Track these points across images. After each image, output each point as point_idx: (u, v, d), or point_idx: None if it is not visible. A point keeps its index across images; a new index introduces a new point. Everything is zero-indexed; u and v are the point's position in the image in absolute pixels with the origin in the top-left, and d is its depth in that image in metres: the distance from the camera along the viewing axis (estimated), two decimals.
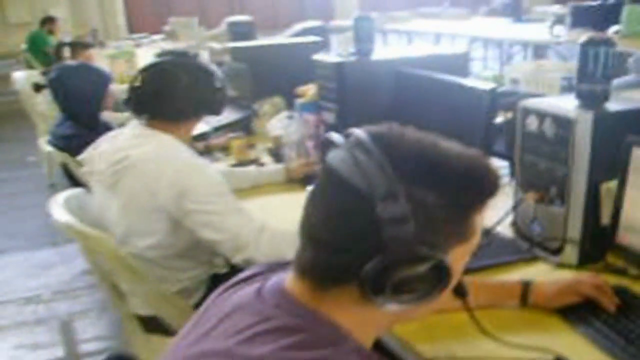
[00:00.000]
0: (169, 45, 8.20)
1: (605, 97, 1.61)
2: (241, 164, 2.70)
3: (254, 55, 3.50)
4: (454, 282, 0.99)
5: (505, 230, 1.79)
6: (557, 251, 1.65)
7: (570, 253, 1.62)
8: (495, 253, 1.70)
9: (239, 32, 5.82)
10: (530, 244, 1.72)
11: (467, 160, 0.93)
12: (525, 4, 9.77)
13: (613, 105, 1.60)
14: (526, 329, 1.37)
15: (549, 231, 1.67)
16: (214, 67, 2.09)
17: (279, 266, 1.06)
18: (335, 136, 0.94)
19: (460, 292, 1.10)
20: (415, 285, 0.87)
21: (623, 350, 1.26)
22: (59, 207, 1.91)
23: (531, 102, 1.70)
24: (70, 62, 4.03)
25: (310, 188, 0.95)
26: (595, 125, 1.53)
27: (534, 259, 1.68)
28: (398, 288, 0.87)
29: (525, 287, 1.44)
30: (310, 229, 0.93)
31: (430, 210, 0.86)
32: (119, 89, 4.67)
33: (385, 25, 9.58)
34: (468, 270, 1.47)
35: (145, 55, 6.82)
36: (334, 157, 0.91)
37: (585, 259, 1.61)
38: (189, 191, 1.78)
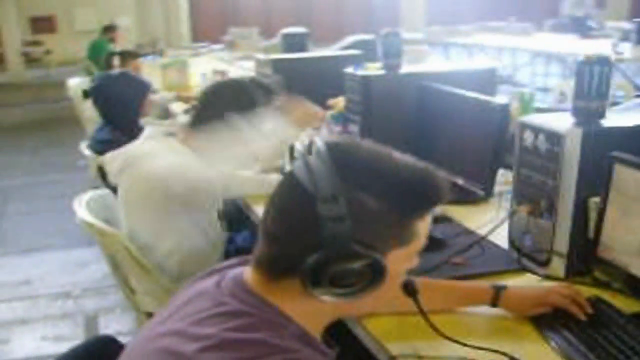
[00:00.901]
0: (227, 55, 8.49)
1: (600, 115, 1.70)
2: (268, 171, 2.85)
3: (293, 67, 3.67)
4: (397, 281, 1.12)
5: (502, 241, 1.89)
6: (545, 263, 1.74)
7: (557, 265, 1.71)
8: (486, 262, 1.81)
9: (292, 43, 6.01)
10: (520, 255, 1.81)
11: (413, 172, 1.05)
12: (597, 19, 9.70)
13: (606, 123, 1.69)
14: (494, 333, 1.47)
15: (539, 243, 1.76)
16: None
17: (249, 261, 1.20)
18: (298, 145, 1.07)
19: (409, 291, 1.23)
20: (349, 280, 1.00)
21: (584, 357, 1.34)
22: (81, 207, 2.11)
23: (528, 118, 1.81)
24: (113, 70, 4.28)
25: None
26: (584, 142, 1.62)
27: (522, 270, 1.77)
28: (334, 282, 0.99)
29: (497, 292, 1.53)
30: (265, 224, 1.06)
31: (370, 214, 0.99)
32: (164, 97, 4.92)
33: (449, 38, 9.69)
34: (456, 277, 1.60)
35: (201, 64, 7.12)
36: (295, 163, 1.05)
37: (572, 272, 1.70)
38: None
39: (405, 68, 2.81)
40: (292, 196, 1.03)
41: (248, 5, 16.82)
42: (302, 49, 5.24)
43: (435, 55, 8.63)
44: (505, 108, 2.14)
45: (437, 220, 2.14)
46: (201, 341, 0.98)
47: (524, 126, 1.79)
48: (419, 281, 1.54)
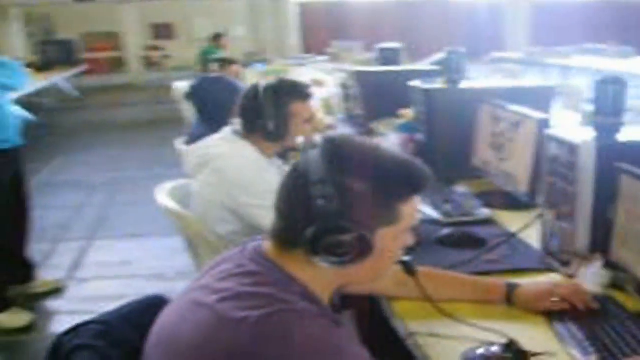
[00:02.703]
0: (329, 66, 8.79)
1: (616, 129, 1.85)
2: None
3: (373, 79, 3.90)
4: (391, 258, 1.32)
5: (538, 243, 2.06)
6: (568, 263, 1.90)
7: (578, 265, 1.86)
8: (517, 260, 1.99)
9: (387, 57, 6.24)
10: (546, 255, 1.97)
11: (396, 161, 1.26)
12: None
13: (621, 137, 1.84)
14: (504, 319, 1.63)
15: (563, 245, 1.92)
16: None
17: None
18: (301, 140, 1.31)
19: (408, 270, 1.45)
20: (340, 250, 1.20)
21: (580, 345, 1.48)
22: (163, 194, 2.43)
23: (553, 131, 1.97)
24: (211, 74, 4.62)
25: None
26: (599, 153, 1.78)
27: (547, 269, 1.92)
28: (328, 251, 1.20)
29: (510, 289, 1.70)
30: (277, 203, 1.28)
31: (357, 195, 1.19)
32: None
33: (546, 59, 9.71)
34: (487, 272, 1.82)
35: (303, 74, 7.44)
36: (301, 154, 1.29)
37: None
38: (243, 186, 2.23)
39: (467, 83, 2.99)
40: (294, 181, 1.25)
41: (357, 20, 17.10)
42: (396, 62, 5.46)
43: (531, 75, 8.65)
44: (543, 122, 2.29)
45: (484, 222, 2.34)
46: (221, 293, 1.20)
47: (549, 138, 1.96)
48: (440, 273, 1.77)
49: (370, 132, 3.69)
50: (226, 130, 2.48)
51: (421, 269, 1.77)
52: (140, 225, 5.08)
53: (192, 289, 1.28)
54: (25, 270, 3.83)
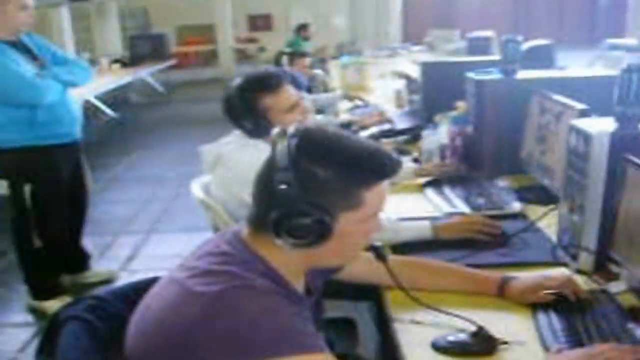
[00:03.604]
0: (424, 57, 8.86)
1: (638, 120, 1.90)
2: None
3: (437, 70, 3.98)
4: (356, 241, 1.45)
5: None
6: (576, 257, 1.96)
7: (586, 260, 1.93)
8: (529, 253, 2.08)
9: (476, 46, 6.30)
10: (556, 248, 2.04)
11: (361, 149, 1.38)
12: None
13: None
14: (488, 309, 1.74)
15: (573, 238, 1.99)
16: None
17: None
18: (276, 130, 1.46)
19: (379, 255, 1.58)
20: (302, 232, 1.34)
21: (553, 333, 1.57)
22: (197, 186, 2.65)
23: (576, 121, 2.03)
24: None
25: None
26: (614, 144, 1.84)
27: (557, 263, 1.99)
28: (289, 233, 1.34)
29: (503, 282, 1.80)
30: (252, 190, 1.44)
31: (319, 181, 1.33)
32: (332, 96, 5.41)
33: None
34: (496, 264, 1.95)
35: (389, 65, 7.55)
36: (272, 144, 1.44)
37: (601, 267, 1.90)
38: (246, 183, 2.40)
39: (524, 74, 3.03)
40: (264, 168, 1.40)
41: (464, 8, 17.02)
42: (485, 52, 5.51)
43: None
44: (584, 112, 2.33)
45: (513, 216, 2.42)
46: (192, 270, 1.37)
47: (571, 128, 2.02)
48: (429, 263, 1.90)
49: (425, 125, 3.78)
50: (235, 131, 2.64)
51: (410, 259, 1.91)
52: (198, 220, 5.30)
53: (175, 267, 1.45)
54: (79, 260, 4.16)
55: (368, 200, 1.37)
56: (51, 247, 3.80)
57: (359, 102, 5.36)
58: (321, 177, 1.33)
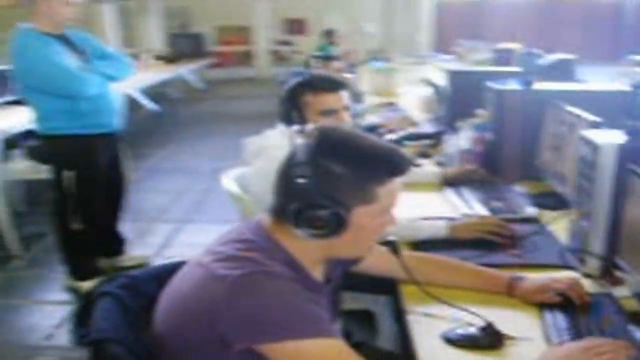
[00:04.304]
0: (451, 65, 8.85)
1: None
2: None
3: (462, 78, 4.01)
4: (370, 235, 1.50)
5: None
6: (584, 262, 1.99)
7: (593, 265, 1.95)
8: (539, 256, 2.11)
9: (501, 57, 6.31)
10: (569, 252, 2.07)
11: (376, 147, 1.45)
12: None
13: None
14: (497, 306, 1.78)
15: (581, 243, 2.02)
16: None
17: None
18: (294, 128, 1.51)
19: (393, 250, 1.64)
20: (318, 223, 1.40)
21: (557, 331, 1.61)
22: (229, 179, 2.71)
23: (586, 132, 2.06)
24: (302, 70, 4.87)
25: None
26: (621, 155, 1.87)
27: (566, 266, 2.02)
28: (307, 224, 1.40)
29: (512, 281, 1.84)
30: (274, 182, 1.50)
31: (335, 176, 1.39)
32: (360, 107, 5.44)
33: None
34: (506, 265, 1.99)
35: (418, 72, 7.57)
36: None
37: (608, 272, 1.92)
38: None
39: (542, 85, 3.06)
40: (285, 163, 1.46)
41: (494, 20, 16.94)
42: (509, 63, 5.53)
43: None
44: (594, 124, 2.36)
45: (527, 220, 2.45)
46: (217, 255, 1.43)
47: (581, 139, 2.05)
48: (443, 260, 1.95)
49: (447, 131, 3.81)
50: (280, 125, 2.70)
51: (426, 255, 1.96)
52: (230, 212, 5.37)
53: (202, 252, 1.52)
54: (115, 244, 4.26)
55: (381, 196, 1.43)
56: (88, 230, 3.88)
57: (388, 105, 5.38)
58: (337, 173, 1.39)
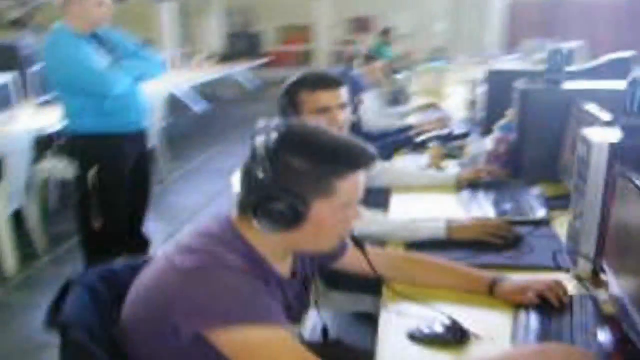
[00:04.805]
0: (512, 65, 8.79)
1: None
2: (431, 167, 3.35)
3: (501, 77, 4.02)
4: (331, 228, 1.57)
5: None
6: (575, 263, 2.02)
7: (584, 266, 1.98)
8: (534, 258, 2.16)
9: (555, 58, 6.23)
10: (561, 253, 2.09)
11: (336, 141, 1.52)
12: None
13: None
14: (475, 306, 1.84)
15: (574, 245, 2.05)
16: None
17: None
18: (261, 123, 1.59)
19: (357, 244, 1.72)
20: (275, 216, 1.48)
21: (525, 331, 1.65)
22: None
23: (585, 131, 2.09)
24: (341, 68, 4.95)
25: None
26: (614, 154, 1.89)
27: (558, 268, 2.03)
28: (266, 216, 1.49)
29: (494, 282, 1.88)
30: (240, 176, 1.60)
31: (293, 169, 1.47)
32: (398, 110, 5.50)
33: None
34: (499, 266, 2.05)
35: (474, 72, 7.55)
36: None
37: (598, 274, 1.95)
38: None
39: (569, 85, 3.07)
40: (249, 157, 1.54)
41: (571, 19, 16.66)
42: (567, 62, 5.49)
43: None
44: (609, 123, 2.36)
45: (536, 223, 2.48)
46: (181, 247, 1.53)
47: (580, 137, 2.08)
48: (423, 259, 2.01)
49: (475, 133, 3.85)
50: None
51: (410, 255, 2.04)
52: None
53: (171, 244, 1.62)
54: (139, 245, 4.40)
55: (341, 190, 1.50)
56: (111, 230, 4.03)
57: (430, 106, 5.42)
58: (295, 166, 1.47)
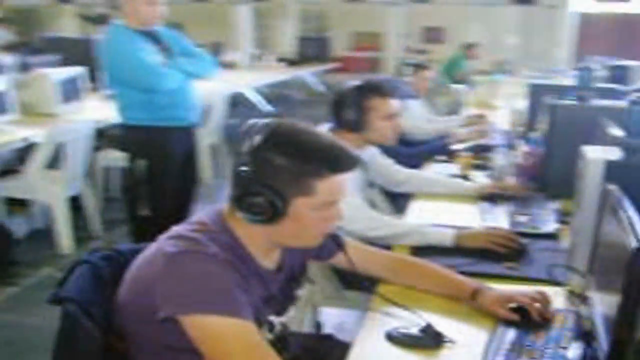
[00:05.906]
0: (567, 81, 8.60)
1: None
2: (460, 176, 3.33)
3: (540, 91, 3.97)
4: (311, 225, 1.59)
5: None
6: (569, 278, 2.00)
7: (576, 281, 1.96)
8: (532, 270, 2.14)
9: (614, 75, 6.13)
10: (557, 267, 2.07)
11: (320, 143, 1.55)
12: None
13: None
14: (454, 314, 1.84)
15: (569, 259, 2.03)
16: None
17: None
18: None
19: (336, 243, 1.76)
20: (257, 210, 1.53)
21: (496, 350, 1.62)
22: None
23: (586, 149, 2.06)
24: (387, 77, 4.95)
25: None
26: (609, 172, 1.87)
27: (552, 281, 2.02)
28: (247, 210, 1.54)
29: (477, 290, 1.87)
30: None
31: (274, 166, 1.51)
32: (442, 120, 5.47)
33: None
34: (496, 275, 2.07)
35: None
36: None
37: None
38: None
39: (599, 102, 3.02)
40: (237, 154, 1.58)
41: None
42: (622, 80, 5.39)
43: None
44: (617, 140, 2.33)
45: (545, 236, 2.46)
46: (171, 233, 1.58)
47: (581, 154, 2.06)
48: (413, 263, 2.03)
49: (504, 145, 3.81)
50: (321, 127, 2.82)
51: (404, 257, 2.06)
52: None
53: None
54: None
55: (320, 189, 1.54)
56: (159, 219, 4.13)
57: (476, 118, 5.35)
58: (276, 164, 1.51)
